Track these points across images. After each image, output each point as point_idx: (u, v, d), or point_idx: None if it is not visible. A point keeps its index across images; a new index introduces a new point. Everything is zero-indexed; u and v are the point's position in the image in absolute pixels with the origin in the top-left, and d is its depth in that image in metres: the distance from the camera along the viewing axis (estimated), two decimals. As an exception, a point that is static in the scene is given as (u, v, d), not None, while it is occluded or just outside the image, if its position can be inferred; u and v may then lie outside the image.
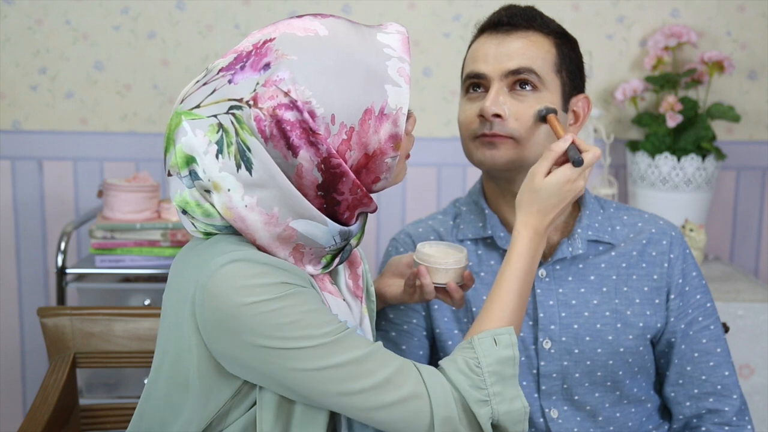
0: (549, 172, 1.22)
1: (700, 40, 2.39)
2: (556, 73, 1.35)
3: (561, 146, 1.22)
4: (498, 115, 1.31)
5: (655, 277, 1.40)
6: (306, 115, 1.00)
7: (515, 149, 1.32)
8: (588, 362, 1.36)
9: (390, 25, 1.11)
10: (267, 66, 1.02)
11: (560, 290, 1.38)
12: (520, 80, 1.33)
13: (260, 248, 1.06)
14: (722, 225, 2.51)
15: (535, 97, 1.33)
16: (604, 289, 1.38)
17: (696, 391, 1.40)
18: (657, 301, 1.39)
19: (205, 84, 1.05)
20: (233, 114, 1.01)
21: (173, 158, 1.05)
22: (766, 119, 2.46)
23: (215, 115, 1.02)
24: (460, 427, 1.08)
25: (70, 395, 1.48)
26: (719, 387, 1.40)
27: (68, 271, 2.09)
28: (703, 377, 1.40)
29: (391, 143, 1.06)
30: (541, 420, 1.37)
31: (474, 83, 1.36)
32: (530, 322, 1.37)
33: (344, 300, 1.16)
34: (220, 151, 1.02)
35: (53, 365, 1.48)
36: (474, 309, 1.39)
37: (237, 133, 1.01)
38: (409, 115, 1.11)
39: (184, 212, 1.08)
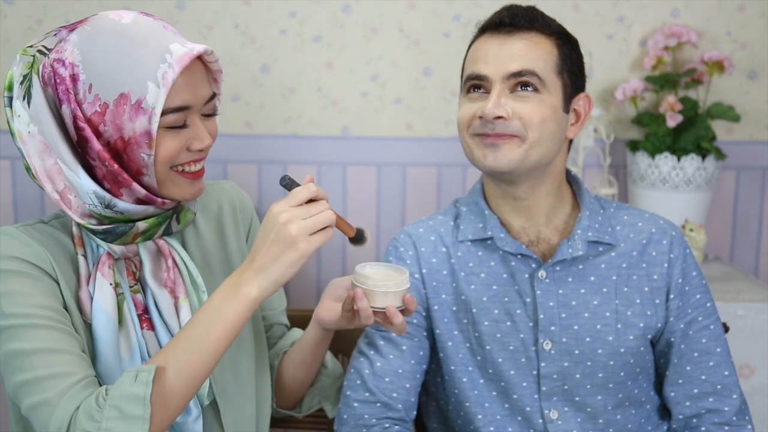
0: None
1: (700, 40, 2.39)
2: (558, 74, 1.35)
3: None
4: (500, 117, 1.31)
5: (655, 277, 1.40)
6: (71, 76, 1.14)
7: (519, 147, 1.32)
8: (588, 363, 1.36)
9: (204, 46, 1.17)
10: (73, 29, 1.17)
11: (560, 291, 1.38)
12: (521, 82, 1.33)
13: (37, 177, 1.16)
14: (722, 225, 2.51)
15: (537, 98, 1.33)
16: (605, 290, 1.38)
17: (696, 390, 1.40)
18: (657, 301, 1.39)
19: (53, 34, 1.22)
20: (35, 57, 1.18)
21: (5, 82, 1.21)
22: (766, 119, 2.46)
23: (33, 55, 1.18)
24: None
25: (71, 395, 1.48)
26: (719, 387, 1.40)
27: (68, 271, 2.09)
28: (703, 377, 1.40)
29: (145, 139, 1.14)
30: (540, 421, 1.37)
31: (475, 84, 1.36)
32: (530, 324, 1.37)
33: (112, 284, 1.18)
34: (21, 83, 1.17)
35: (53, 365, 1.47)
36: (474, 310, 1.39)
37: (31, 71, 1.17)
38: (196, 136, 1.17)
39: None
